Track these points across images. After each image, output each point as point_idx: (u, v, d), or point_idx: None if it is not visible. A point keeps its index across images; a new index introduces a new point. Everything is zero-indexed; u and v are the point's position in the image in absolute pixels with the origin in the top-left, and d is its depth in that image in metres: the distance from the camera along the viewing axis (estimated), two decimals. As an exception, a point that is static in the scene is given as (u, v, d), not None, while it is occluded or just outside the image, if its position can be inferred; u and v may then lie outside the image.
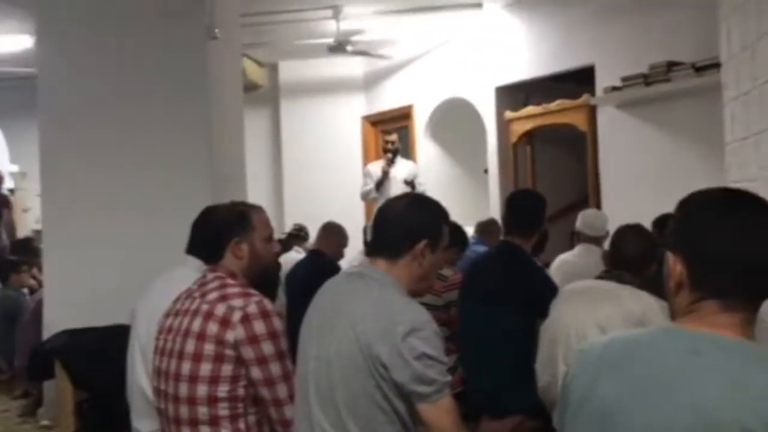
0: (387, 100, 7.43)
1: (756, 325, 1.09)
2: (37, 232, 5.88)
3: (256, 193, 6.24)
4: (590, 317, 2.28)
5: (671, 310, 1.12)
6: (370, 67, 7.57)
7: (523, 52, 5.83)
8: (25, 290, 5.23)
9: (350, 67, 7.56)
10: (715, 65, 3.74)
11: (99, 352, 3.34)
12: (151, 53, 3.98)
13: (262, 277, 2.33)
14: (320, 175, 7.47)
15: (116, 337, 2.88)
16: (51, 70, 4.09)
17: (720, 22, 3.19)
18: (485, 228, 4.66)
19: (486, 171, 6.31)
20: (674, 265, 1.08)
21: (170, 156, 3.95)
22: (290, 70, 7.67)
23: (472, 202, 6.59)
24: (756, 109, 2.81)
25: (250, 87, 6.91)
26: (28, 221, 8.06)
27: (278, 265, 4.31)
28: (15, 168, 8.57)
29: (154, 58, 3.97)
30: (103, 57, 3.99)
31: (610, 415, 1.03)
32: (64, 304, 3.87)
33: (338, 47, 6.29)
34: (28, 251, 5.75)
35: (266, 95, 7.71)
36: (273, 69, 7.75)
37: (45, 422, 3.83)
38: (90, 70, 4.00)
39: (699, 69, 4.32)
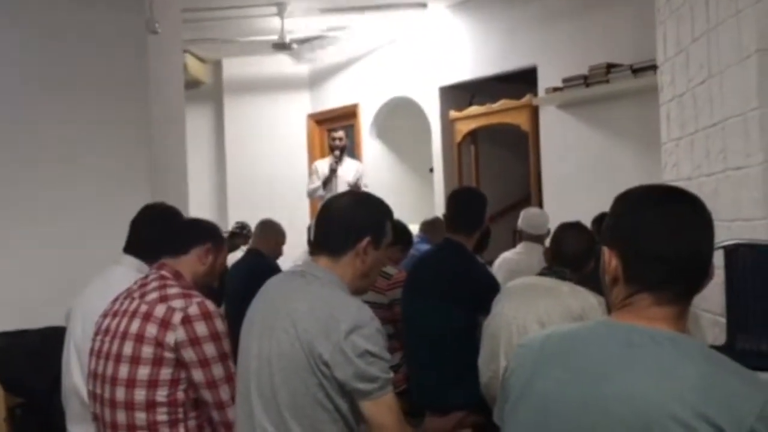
0: (332, 98, 7.41)
1: (689, 319, 1.12)
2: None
3: (199, 191, 6.16)
4: (531, 313, 2.32)
5: (607, 304, 1.14)
6: (315, 66, 7.54)
7: (468, 52, 5.89)
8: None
9: (295, 65, 7.50)
10: (652, 67, 3.85)
11: (32, 355, 3.22)
12: (88, 45, 3.86)
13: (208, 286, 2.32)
14: (265, 173, 7.39)
15: (51, 340, 2.80)
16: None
17: (657, 26, 3.28)
18: (430, 226, 4.68)
19: (431, 170, 6.35)
20: (610, 260, 1.11)
21: (107, 152, 3.85)
22: (234, 67, 7.57)
23: (417, 201, 6.63)
24: (690, 110, 2.90)
25: (192, 83, 6.80)
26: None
27: (225, 269, 4.23)
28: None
29: (92, 50, 3.86)
30: (35, 47, 3.84)
31: (547, 408, 1.04)
32: (-3, 306, 3.72)
33: (282, 45, 6.24)
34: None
35: (209, 92, 7.60)
36: (216, 66, 7.64)
37: (-25, 429, 3.68)
38: (21, 62, 3.84)
39: (636, 71, 4.43)
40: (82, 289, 2.63)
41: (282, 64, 7.43)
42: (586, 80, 4.76)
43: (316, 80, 7.63)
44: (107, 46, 3.88)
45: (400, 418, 1.69)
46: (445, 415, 2.95)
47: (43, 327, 3.27)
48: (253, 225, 5.17)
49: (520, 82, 5.55)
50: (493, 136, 6.11)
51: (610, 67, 4.62)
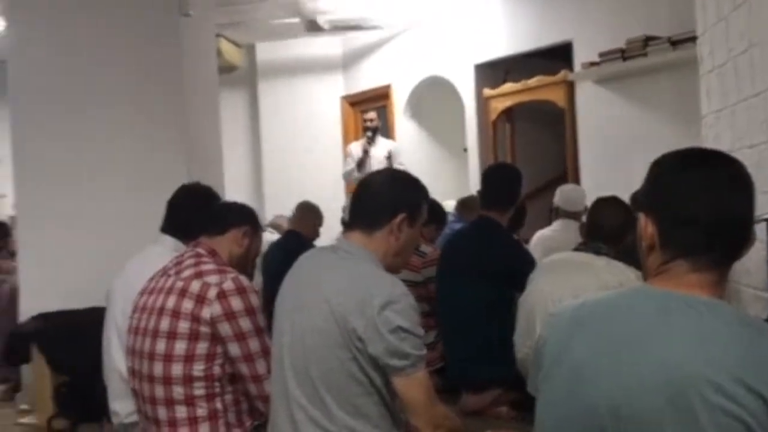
0: (366, 79, 7.38)
1: (729, 294, 1.09)
2: (13, 218, 5.78)
3: (234, 175, 6.21)
4: (566, 288, 2.29)
5: (643, 271, 1.11)
6: (348, 47, 7.51)
7: (502, 28, 5.81)
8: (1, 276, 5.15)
9: (328, 47, 7.49)
10: (692, 39, 3.74)
11: (75, 335, 3.31)
12: (122, 33, 3.91)
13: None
14: (299, 155, 7.42)
15: (92, 320, 2.86)
16: (21, 55, 4.01)
17: (695, -6, 3.18)
18: (465, 204, 4.65)
19: (465, 149, 6.30)
20: (645, 226, 1.08)
21: (145, 137, 3.90)
22: (268, 51, 7.59)
23: (451, 181, 6.58)
24: (731, 80, 2.81)
25: (226, 68, 6.83)
26: (4, 207, 7.95)
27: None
28: (-12, 153, 8.43)
29: (126, 39, 3.91)
30: (73, 39, 3.91)
31: (581, 374, 1.03)
32: (40, 288, 3.82)
33: (315, 26, 6.22)
34: (2, 235, 5.66)
35: (244, 76, 7.63)
36: (250, 50, 7.66)
37: (24, 406, 3.79)
38: (60, 53, 3.92)
39: (675, 43, 4.32)
40: (121, 269, 2.69)
41: (315, 47, 7.42)
42: (623, 54, 4.66)
43: (349, 62, 7.61)
44: (140, 30, 3.92)
45: (431, 395, 1.68)
46: (480, 392, 2.96)
47: (84, 308, 3.35)
48: (289, 208, 5.21)
49: (555, 57, 5.45)
50: (529, 113, 6.03)
51: (648, 39, 4.51)
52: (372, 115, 6.40)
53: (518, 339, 2.53)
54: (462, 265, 2.96)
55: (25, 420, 3.64)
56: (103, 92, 3.90)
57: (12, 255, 4.86)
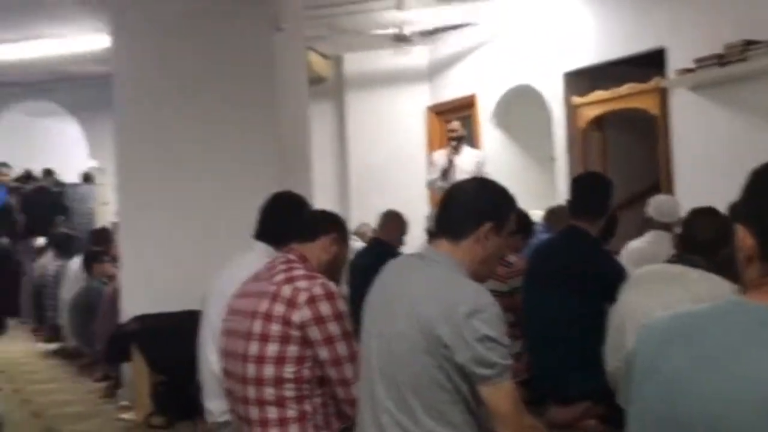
0: (451, 89, 7.39)
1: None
2: (115, 224, 6.11)
3: (322, 185, 6.33)
4: (658, 300, 2.22)
5: (741, 284, 1.08)
6: (434, 57, 7.55)
7: (591, 36, 5.70)
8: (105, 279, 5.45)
9: (415, 57, 7.55)
10: (795, 42, 3.57)
11: (172, 337, 3.46)
12: (219, 48, 4.08)
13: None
14: (385, 164, 7.50)
15: (188, 322, 2.98)
16: (125, 68, 4.25)
17: (799, -4, 3.05)
18: (554, 214, 4.58)
19: (552, 158, 6.21)
20: (744, 238, 1.05)
21: (239, 147, 4.05)
22: (355, 62, 7.73)
23: (538, 191, 6.49)
24: (839, 85, 2.67)
25: (315, 80, 7.00)
26: (106, 214, 8.40)
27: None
28: (94, 163, 8.93)
29: (222, 52, 4.08)
30: (172, 53, 4.12)
31: (675, 387, 1.00)
32: (140, 291, 4.02)
33: (402, 37, 6.29)
34: (105, 241, 5.99)
35: (331, 87, 7.79)
36: (337, 61, 7.82)
37: (124, 403, 3.99)
38: (161, 67, 4.14)
39: (778, 47, 4.13)
40: (216, 274, 2.80)
41: (401, 57, 7.49)
42: (720, 59, 4.49)
43: (435, 72, 7.65)
44: (235, 45, 4.08)
45: (518, 406, 1.67)
46: (567, 405, 2.91)
47: (181, 311, 3.50)
48: (374, 217, 5.28)
49: (646, 64, 5.30)
50: (619, 121, 5.88)
51: (748, 43, 4.33)
52: (456, 125, 6.40)
53: (608, 351, 2.47)
54: (550, 275, 2.91)
55: (126, 416, 3.83)
56: (199, 104, 4.08)
57: (114, 260, 5.14)
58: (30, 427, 3.70)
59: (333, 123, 7.93)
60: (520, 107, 6.73)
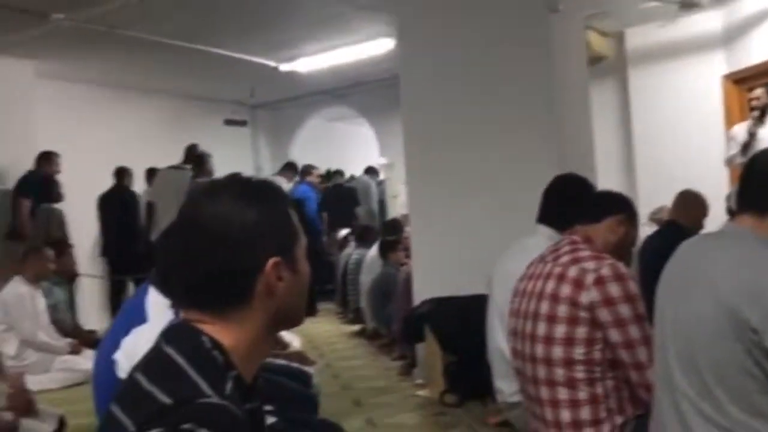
0: (753, 53, 6.61)
1: None
2: (404, 216, 6.53)
3: (605, 167, 6.10)
4: None
5: None
6: (730, 20, 6.82)
7: None
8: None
9: (706, 22, 6.90)
10: None
11: (462, 318, 3.61)
12: (495, 38, 4.14)
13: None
14: (675, 142, 6.97)
15: (477, 305, 3.10)
16: (411, 69, 4.53)
17: None
18: None
19: None
20: None
21: (518, 133, 4.07)
22: (637, 37, 7.29)
23: None
24: None
25: (594, 59, 6.75)
26: (396, 206, 9.00)
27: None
28: (384, 160, 9.62)
29: (498, 42, 4.13)
30: (454, 51, 4.28)
31: None
32: (429, 276, 4.27)
33: (690, 3, 5.79)
34: (397, 231, 6.44)
35: (612, 65, 7.45)
36: (618, 38, 7.45)
37: (419, 381, 4.25)
38: (441, 64, 4.33)
39: None
40: (500, 259, 2.87)
41: (690, 25, 6.90)
42: None
43: (731, 36, 6.90)
44: (511, 31, 4.10)
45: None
46: None
47: (469, 294, 3.64)
48: (664, 199, 4.95)
49: None
50: None
51: None
52: (758, 92, 5.72)
53: None
54: None
55: (421, 393, 4.08)
56: (477, 93, 4.18)
57: (405, 249, 5.50)
58: (341, 397, 4.12)
59: (614, 102, 7.57)
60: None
